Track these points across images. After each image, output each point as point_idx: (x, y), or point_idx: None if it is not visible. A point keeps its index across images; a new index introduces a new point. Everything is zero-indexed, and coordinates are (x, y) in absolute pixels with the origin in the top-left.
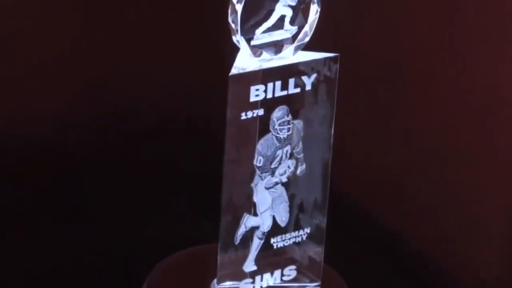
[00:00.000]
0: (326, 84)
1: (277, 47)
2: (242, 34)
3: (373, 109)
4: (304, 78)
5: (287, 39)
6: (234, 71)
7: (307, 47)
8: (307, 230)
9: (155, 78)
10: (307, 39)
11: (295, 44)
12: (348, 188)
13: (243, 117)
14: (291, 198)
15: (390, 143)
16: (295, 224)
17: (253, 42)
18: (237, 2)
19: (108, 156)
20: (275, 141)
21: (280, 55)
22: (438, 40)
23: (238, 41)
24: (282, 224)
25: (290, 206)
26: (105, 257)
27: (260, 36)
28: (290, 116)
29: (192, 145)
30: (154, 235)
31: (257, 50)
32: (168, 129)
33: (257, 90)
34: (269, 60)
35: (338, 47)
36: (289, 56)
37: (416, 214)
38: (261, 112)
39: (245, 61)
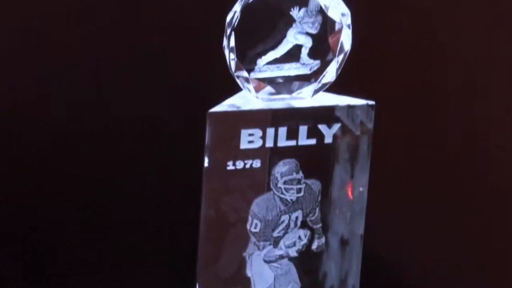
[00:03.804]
0: (357, 138)
1: (288, 84)
2: (239, 61)
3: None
4: (323, 127)
5: (304, 75)
6: (216, 108)
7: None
8: None
9: None
10: (332, 78)
11: (315, 83)
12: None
13: (230, 167)
14: (306, 278)
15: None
16: None
17: (253, 75)
18: (231, 25)
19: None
20: (279, 203)
21: (293, 95)
22: None
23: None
24: None
25: None
26: None
27: (264, 68)
28: (301, 174)
29: None
30: None
31: (259, 85)
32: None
33: (250, 135)
34: (273, 100)
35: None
36: (307, 97)
37: None
38: (257, 163)
39: (240, 97)
